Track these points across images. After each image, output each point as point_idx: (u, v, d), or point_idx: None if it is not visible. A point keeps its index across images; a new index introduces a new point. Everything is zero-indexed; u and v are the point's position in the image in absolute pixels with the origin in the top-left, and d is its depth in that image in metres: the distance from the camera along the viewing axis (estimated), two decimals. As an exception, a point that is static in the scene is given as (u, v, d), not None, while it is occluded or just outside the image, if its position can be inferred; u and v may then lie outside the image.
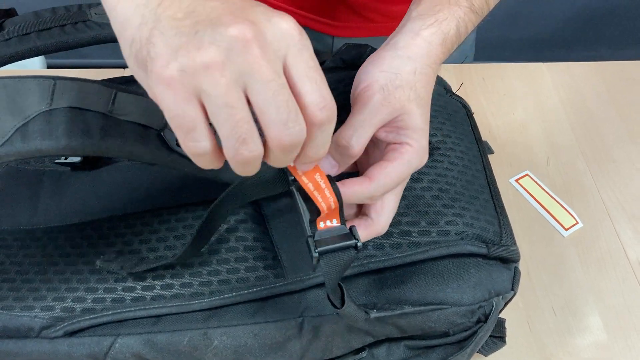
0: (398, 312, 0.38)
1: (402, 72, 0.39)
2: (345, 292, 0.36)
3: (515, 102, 0.72)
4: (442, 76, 0.56)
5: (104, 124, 0.36)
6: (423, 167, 0.46)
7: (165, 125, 0.38)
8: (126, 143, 0.36)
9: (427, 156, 0.39)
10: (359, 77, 0.40)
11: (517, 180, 0.64)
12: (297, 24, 0.28)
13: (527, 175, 0.64)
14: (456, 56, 0.80)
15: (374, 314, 0.37)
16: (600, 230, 0.61)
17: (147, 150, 0.37)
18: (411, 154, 0.38)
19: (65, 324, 0.40)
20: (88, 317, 0.40)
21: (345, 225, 0.36)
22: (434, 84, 0.42)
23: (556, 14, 1.47)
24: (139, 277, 0.42)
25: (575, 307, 0.56)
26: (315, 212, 0.36)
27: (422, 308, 0.40)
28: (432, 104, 0.51)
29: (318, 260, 0.35)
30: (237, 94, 0.27)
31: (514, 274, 0.43)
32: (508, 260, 0.44)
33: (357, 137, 0.37)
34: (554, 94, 0.74)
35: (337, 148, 0.38)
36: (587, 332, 0.54)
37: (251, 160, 0.29)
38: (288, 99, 0.27)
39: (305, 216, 0.36)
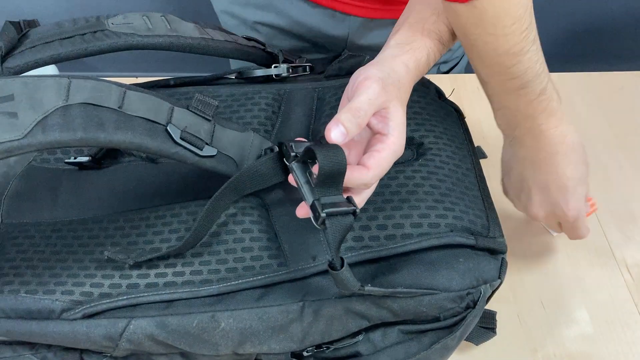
0: (390, 290, 0.42)
1: (394, 72, 0.44)
2: (344, 260, 0.39)
3: None
4: (438, 84, 0.60)
5: (116, 118, 0.40)
6: (416, 165, 0.49)
7: (169, 121, 0.42)
8: (136, 136, 0.41)
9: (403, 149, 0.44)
10: (358, 73, 0.45)
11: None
12: None
13: None
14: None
15: (368, 287, 0.40)
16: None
17: (154, 143, 0.42)
18: (397, 145, 0.42)
19: (84, 307, 0.44)
20: (105, 301, 0.44)
21: (343, 195, 0.40)
22: (408, 98, 0.47)
23: (551, 29, 1.51)
24: (153, 265, 0.45)
25: (563, 301, 0.59)
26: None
27: (414, 290, 0.43)
28: (425, 108, 0.55)
29: (324, 222, 0.38)
30: None
31: (501, 264, 0.47)
32: (495, 251, 0.47)
33: (365, 112, 0.42)
34: None
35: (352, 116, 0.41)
36: (574, 325, 0.57)
37: None
38: None
39: (306, 188, 0.41)
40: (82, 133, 0.39)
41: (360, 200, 0.44)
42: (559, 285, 0.60)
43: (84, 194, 0.52)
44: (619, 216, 0.66)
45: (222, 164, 0.45)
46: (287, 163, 0.44)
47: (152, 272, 0.45)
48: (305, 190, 0.41)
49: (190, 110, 0.44)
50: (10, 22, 0.51)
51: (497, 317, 0.52)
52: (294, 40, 0.81)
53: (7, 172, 0.53)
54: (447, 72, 0.84)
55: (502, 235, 0.48)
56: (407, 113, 0.53)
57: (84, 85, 0.40)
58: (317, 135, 0.54)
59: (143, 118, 0.41)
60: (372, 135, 0.44)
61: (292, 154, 0.43)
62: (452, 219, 0.46)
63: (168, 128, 0.42)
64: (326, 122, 0.54)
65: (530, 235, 0.64)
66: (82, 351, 0.46)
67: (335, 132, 0.40)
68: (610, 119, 0.76)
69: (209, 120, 0.45)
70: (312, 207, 0.40)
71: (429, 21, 0.49)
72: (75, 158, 0.53)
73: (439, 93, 0.59)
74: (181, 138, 0.43)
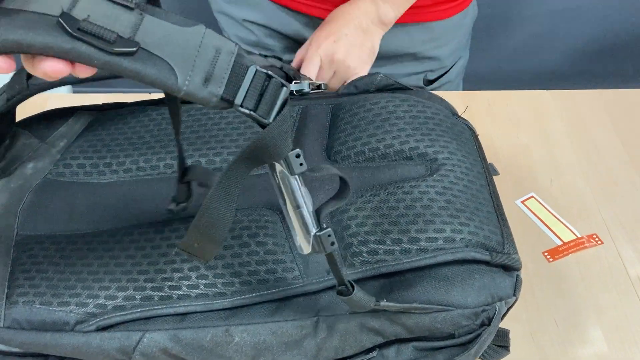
0: (406, 305, 0.41)
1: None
2: (353, 282, 0.39)
3: (520, 127, 0.76)
4: (450, 102, 0.61)
5: None
6: (430, 180, 0.49)
7: (68, 11, 0.31)
8: (12, 31, 0.30)
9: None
10: None
11: (522, 202, 0.67)
12: None
13: (532, 197, 0.67)
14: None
15: (384, 303, 0.40)
16: (601, 248, 0.64)
17: (40, 37, 0.31)
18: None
19: (98, 319, 0.44)
20: (119, 314, 0.44)
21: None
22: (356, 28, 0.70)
23: (562, 48, 1.52)
24: (167, 278, 0.45)
25: (576, 319, 0.58)
26: None
27: (429, 306, 0.42)
28: (439, 125, 0.55)
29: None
30: None
31: (516, 281, 0.46)
32: (510, 268, 0.47)
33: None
34: (558, 119, 0.78)
35: None
36: (588, 344, 0.56)
37: None
38: None
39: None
40: None
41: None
42: (572, 304, 0.60)
43: (99, 207, 0.52)
44: (633, 234, 0.65)
45: (149, 68, 0.32)
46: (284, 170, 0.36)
47: (166, 284, 0.45)
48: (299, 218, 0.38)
49: None
50: None
51: (511, 336, 0.51)
52: (285, 40, 0.85)
53: (23, 185, 0.53)
54: (433, 81, 0.87)
55: (517, 252, 0.48)
56: (422, 129, 0.54)
57: None
58: (330, 152, 0.54)
59: (32, 12, 0.31)
60: None
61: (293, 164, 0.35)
62: (468, 234, 0.46)
63: (60, 18, 0.31)
64: (340, 138, 0.55)
65: (543, 253, 0.64)
66: (94, 364, 0.46)
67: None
68: (623, 136, 0.76)
69: (130, 9, 0.32)
70: (316, 240, 0.37)
71: None
72: None
73: (452, 111, 0.59)
74: (79, 29, 0.31)
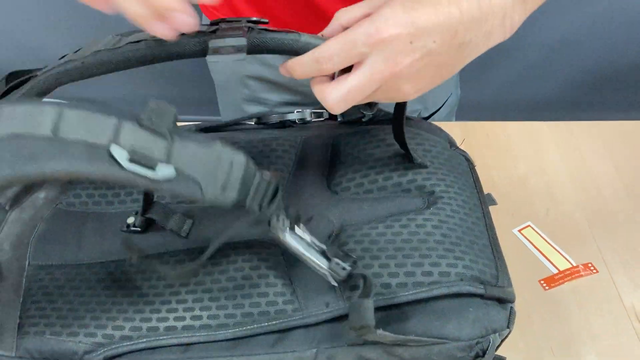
0: (402, 337, 0.43)
1: None
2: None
3: (517, 157, 0.78)
4: (448, 132, 0.62)
5: (49, 146, 0.35)
6: (427, 214, 0.51)
7: (115, 140, 0.36)
8: (72, 164, 0.35)
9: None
10: None
11: (519, 231, 0.69)
12: None
13: (529, 226, 0.69)
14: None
15: (380, 332, 0.41)
16: (597, 277, 0.65)
17: (96, 169, 0.35)
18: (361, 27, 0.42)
19: (105, 349, 0.45)
20: (126, 344, 0.45)
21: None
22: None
23: (558, 79, 1.54)
24: (172, 309, 0.47)
25: (572, 347, 0.60)
26: None
27: (425, 339, 0.44)
28: (437, 157, 0.57)
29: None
30: None
31: (510, 313, 0.48)
32: (504, 301, 0.48)
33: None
34: (554, 150, 0.80)
35: None
36: (584, 372, 0.58)
37: None
38: None
39: (312, 254, 0.44)
40: (9, 170, 0.34)
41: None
42: (568, 332, 0.61)
43: (107, 236, 0.54)
44: (628, 263, 0.67)
45: (182, 186, 0.38)
46: (279, 235, 0.43)
47: (171, 315, 0.46)
48: (313, 258, 0.43)
49: (142, 125, 0.37)
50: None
51: None
52: (284, 93, 0.84)
53: (35, 215, 0.56)
54: (427, 118, 0.87)
55: (511, 285, 0.49)
56: (410, 165, 0.56)
57: (13, 112, 0.35)
58: (330, 183, 0.56)
59: (82, 141, 0.35)
60: None
61: (282, 224, 0.43)
62: (462, 267, 0.47)
63: (111, 149, 0.36)
64: (340, 170, 0.57)
65: (539, 281, 0.65)
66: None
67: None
68: (619, 167, 0.78)
69: (164, 136, 0.37)
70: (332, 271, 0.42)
71: None
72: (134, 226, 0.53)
73: (450, 142, 0.61)
74: (129, 160, 0.36)
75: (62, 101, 0.35)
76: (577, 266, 0.66)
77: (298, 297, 0.47)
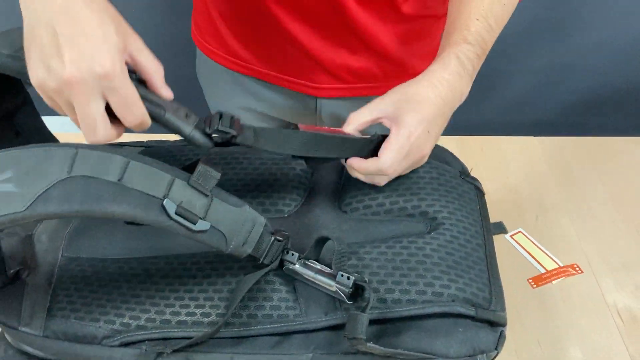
0: (391, 350, 0.46)
1: (405, 84, 0.59)
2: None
3: (509, 169, 0.85)
4: (446, 146, 0.66)
5: (114, 191, 0.42)
6: (428, 238, 0.54)
7: (167, 195, 0.44)
8: (130, 209, 0.43)
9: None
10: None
11: (511, 236, 0.74)
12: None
13: (520, 232, 0.75)
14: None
15: (370, 344, 0.45)
16: (582, 277, 0.70)
17: (149, 216, 0.44)
18: (403, 137, 0.56)
19: (122, 336, 0.50)
20: (140, 333, 0.50)
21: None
22: (439, 96, 0.58)
23: (553, 102, 1.58)
24: (185, 305, 0.51)
25: (558, 340, 0.63)
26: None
27: (413, 354, 0.47)
28: (443, 185, 0.60)
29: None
30: None
31: (499, 336, 0.50)
32: (495, 324, 0.51)
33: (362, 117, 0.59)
34: (544, 162, 0.86)
35: None
36: (568, 363, 0.61)
37: None
38: None
39: (321, 278, 0.50)
40: (79, 206, 0.41)
41: (379, 181, 0.59)
42: (554, 326, 0.65)
43: (133, 237, 0.59)
44: (611, 265, 0.72)
45: (213, 238, 0.47)
46: (293, 267, 0.51)
47: (183, 310, 0.51)
48: (322, 280, 0.50)
49: (190, 185, 0.45)
50: None
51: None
52: (273, 123, 0.93)
53: (71, 211, 0.61)
54: None
55: (504, 310, 0.52)
56: (426, 189, 0.59)
57: (88, 157, 0.43)
58: (341, 204, 0.60)
59: (141, 191, 0.43)
60: None
61: (291, 259, 0.51)
62: (455, 289, 0.50)
63: (164, 203, 0.44)
64: (351, 192, 0.60)
65: (528, 280, 0.69)
66: (115, 377, 0.52)
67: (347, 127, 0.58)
68: (603, 178, 0.84)
69: (206, 195, 0.46)
70: (340, 289, 0.48)
71: (456, 36, 0.61)
72: None
73: (461, 171, 0.64)
74: (176, 213, 0.44)
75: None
76: (564, 266, 0.71)
77: (300, 304, 0.51)
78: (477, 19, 0.62)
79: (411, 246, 0.54)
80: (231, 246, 0.48)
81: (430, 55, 0.65)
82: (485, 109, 1.54)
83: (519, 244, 0.73)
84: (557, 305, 0.66)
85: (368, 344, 0.45)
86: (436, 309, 0.49)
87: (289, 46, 0.80)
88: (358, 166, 0.58)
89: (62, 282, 0.54)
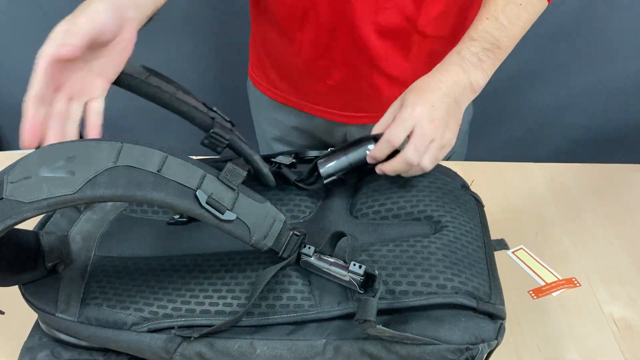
0: (398, 333, 0.50)
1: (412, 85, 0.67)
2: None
3: (510, 192, 0.90)
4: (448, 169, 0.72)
5: (153, 180, 0.48)
6: (433, 238, 0.59)
7: (199, 186, 0.49)
8: (168, 196, 0.48)
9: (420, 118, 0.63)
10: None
11: (513, 252, 0.78)
12: None
13: (521, 248, 0.79)
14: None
15: (380, 327, 0.49)
16: (580, 289, 0.74)
17: (183, 204, 0.48)
18: (402, 116, 0.63)
19: (150, 323, 0.54)
20: (167, 321, 0.54)
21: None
22: (439, 87, 0.65)
23: (556, 140, 1.62)
24: (208, 296, 0.55)
25: (557, 346, 0.66)
26: None
27: (419, 337, 0.51)
28: (447, 194, 0.65)
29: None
30: None
31: (499, 328, 0.54)
32: (495, 317, 0.54)
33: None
34: (543, 185, 0.91)
35: None
36: (567, 366, 0.64)
37: None
38: None
39: (335, 269, 0.55)
40: (123, 190, 0.46)
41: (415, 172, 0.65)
42: (553, 333, 0.68)
43: (161, 238, 0.64)
44: (607, 278, 0.76)
45: (238, 229, 0.51)
46: (308, 259, 0.56)
47: (207, 301, 0.55)
48: (336, 270, 0.54)
49: (219, 179, 0.51)
50: None
51: (498, 357, 0.58)
52: (308, 139, 1.00)
53: (104, 217, 0.66)
54: None
55: (503, 304, 0.55)
56: (431, 196, 0.64)
57: (132, 150, 0.48)
58: (353, 209, 0.65)
59: (177, 182, 0.48)
60: None
61: (307, 252, 0.56)
62: (458, 283, 0.54)
63: (197, 193, 0.49)
64: (362, 198, 0.65)
65: (528, 291, 0.73)
66: (143, 362, 0.56)
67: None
68: (600, 199, 0.89)
69: (233, 190, 0.51)
70: (352, 278, 0.53)
71: (464, 37, 0.68)
72: (180, 216, 0.66)
73: (463, 185, 0.69)
74: (206, 202, 0.49)
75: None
76: (562, 280, 0.74)
77: (315, 295, 0.55)
78: (487, 18, 0.68)
79: (417, 244, 0.58)
80: (254, 238, 0.52)
81: None
82: (486, 146, 1.59)
83: (520, 259, 0.77)
84: (557, 315, 0.70)
85: (378, 327, 0.49)
86: (440, 300, 0.53)
87: (325, 84, 0.89)
88: (388, 168, 0.63)
89: (94, 275, 0.59)
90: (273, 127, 1.02)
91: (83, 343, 0.57)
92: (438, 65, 0.67)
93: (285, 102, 0.97)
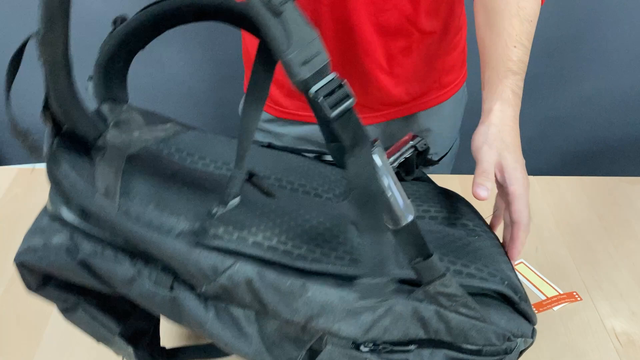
0: (462, 291, 0.50)
1: (489, 133, 0.62)
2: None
3: None
4: (449, 186, 0.72)
5: None
6: (472, 238, 0.60)
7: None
8: None
9: (526, 179, 0.63)
10: (472, 142, 0.62)
11: (514, 267, 0.80)
12: None
13: (522, 262, 0.81)
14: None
15: (449, 276, 0.49)
16: (581, 304, 0.76)
17: None
18: (520, 186, 0.62)
19: (198, 237, 0.48)
20: (217, 242, 0.49)
21: None
22: (516, 133, 0.65)
23: (552, 151, 1.69)
24: (263, 229, 0.51)
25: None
26: None
27: (474, 310, 0.51)
28: (460, 209, 0.66)
29: None
30: None
31: (533, 330, 0.55)
32: (529, 319, 0.56)
33: (490, 171, 0.61)
34: (542, 200, 0.94)
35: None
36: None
37: None
38: None
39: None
40: None
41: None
42: (555, 348, 0.69)
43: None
44: (608, 292, 0.78)
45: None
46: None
47: (261, 234, 0.51)
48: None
49: None
50: None
51: None
52: (311, 145, 1.02)
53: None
54: (437, 161, 1.01)
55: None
56: (462, 209, 0.66)
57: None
58: None
59: None
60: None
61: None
62: (506, 273, 0.55)
63: None
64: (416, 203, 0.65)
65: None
66: (175, 278, 0.50)
67: (482, 191, 0.61)
68: (599, 212, 0.92)
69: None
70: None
71: (500, 68, 0.68)
72: None
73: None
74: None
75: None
76: (563, 294, 0.76)
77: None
78: (515, 47, 0.68)
79: (465, 238, 0.59)
80: (290, 55, 0.39)
81: (453, 68, 0.79)
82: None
83: (521, 273, 0.79)
84: (558, 329, 0.71)
85: (448, 274, 0.49)
86: (491, 286, 0.54)
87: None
88: (521, 248, 0.64)
89: (139, 165, 0.52)
90: (277, 141, 1.03)
91: (119, 242, 0.49)
92: (501, 107, 0.65)
93: (290, 117, 0.99)
